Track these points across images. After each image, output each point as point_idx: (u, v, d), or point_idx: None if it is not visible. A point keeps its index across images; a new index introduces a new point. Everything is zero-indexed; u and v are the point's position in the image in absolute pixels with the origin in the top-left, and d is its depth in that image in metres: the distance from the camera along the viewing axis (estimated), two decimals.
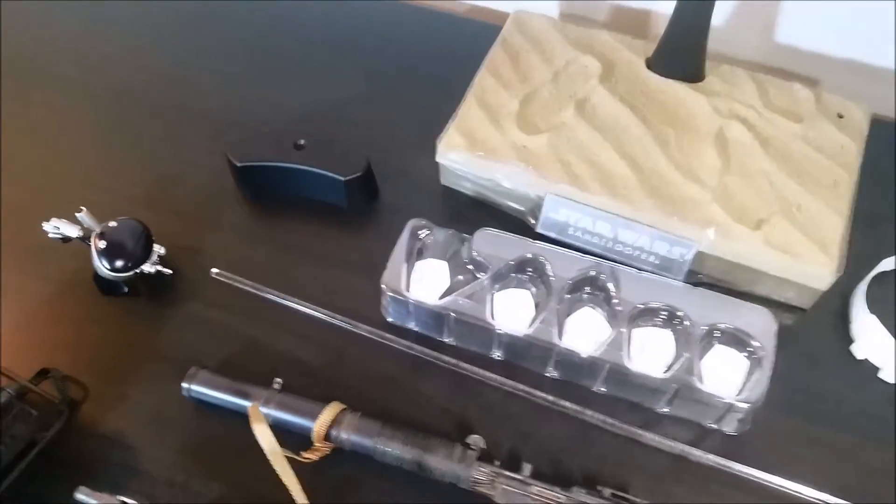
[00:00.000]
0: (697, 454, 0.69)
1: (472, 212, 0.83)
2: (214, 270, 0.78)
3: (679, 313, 0.70)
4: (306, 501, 0.61)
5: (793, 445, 0.70)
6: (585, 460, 0.69)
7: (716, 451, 0.69)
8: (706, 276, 0.76)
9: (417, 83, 0.95)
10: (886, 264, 0.78)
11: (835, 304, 0.78)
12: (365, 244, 0.80)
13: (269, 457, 0.62)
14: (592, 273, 0.72)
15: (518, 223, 0.80)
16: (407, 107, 0.92)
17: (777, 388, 0.71)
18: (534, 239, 0.76)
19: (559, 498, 0.64)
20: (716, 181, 0.75)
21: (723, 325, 0.69)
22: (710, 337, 0.69)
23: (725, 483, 0.68)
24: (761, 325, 0.69)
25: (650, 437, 0.69)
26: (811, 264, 0.71)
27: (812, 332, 0.77)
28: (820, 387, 0.74)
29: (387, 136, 0.89)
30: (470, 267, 0.74)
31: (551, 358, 0.71)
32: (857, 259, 0.77)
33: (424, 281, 0.73)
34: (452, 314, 0.71)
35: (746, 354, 0.68)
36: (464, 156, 0.78)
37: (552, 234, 0.78)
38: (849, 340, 0.76)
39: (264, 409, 0.67)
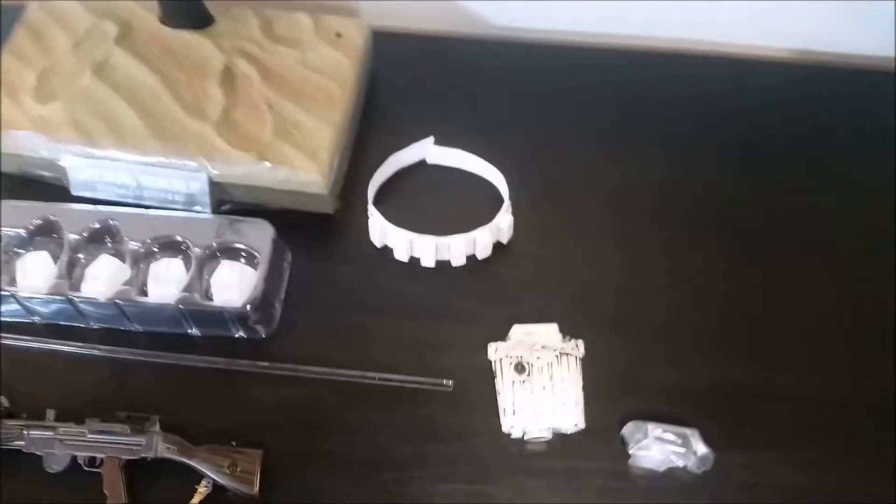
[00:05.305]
0: (228, 363, 0.74)
1: (21, 190, 0.84)
2: None
3: (180, 239, 0.75)
4: None
5: (327, 336, 0.77)
6: (125, 395, 0.73)
7: (250, 357, 0.75)
8: (235, 203, 0.81)
9: None
10: (388, 165, 0.85)
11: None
12: None
13: None
14: (99, 224, 0.76)
15: (63, 192, 0.83)
16: None
17: (308, 290, 0.78)
18: (73, 203, 0.79)
19: (80, 431, 0.68)
20: (219, 115, 0.80)
21: (217, 242, 0.75)
22: (216, 256, 0.75)
23: (264, 383, 0.74)
24: (260, 236, 0.75)
25: (177, 357, 0.74)
26: (303, 172, 0.77)
27: (338, 233, 0.83)
28: (349, 279, 0.81)
29: None
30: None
31: (78, 309, 0.75)
32: (370, 161, 0.85)
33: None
34: None
35: (244, 262, 0.74)
36: None
37: (87, 195, 0.81)
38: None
39: None
